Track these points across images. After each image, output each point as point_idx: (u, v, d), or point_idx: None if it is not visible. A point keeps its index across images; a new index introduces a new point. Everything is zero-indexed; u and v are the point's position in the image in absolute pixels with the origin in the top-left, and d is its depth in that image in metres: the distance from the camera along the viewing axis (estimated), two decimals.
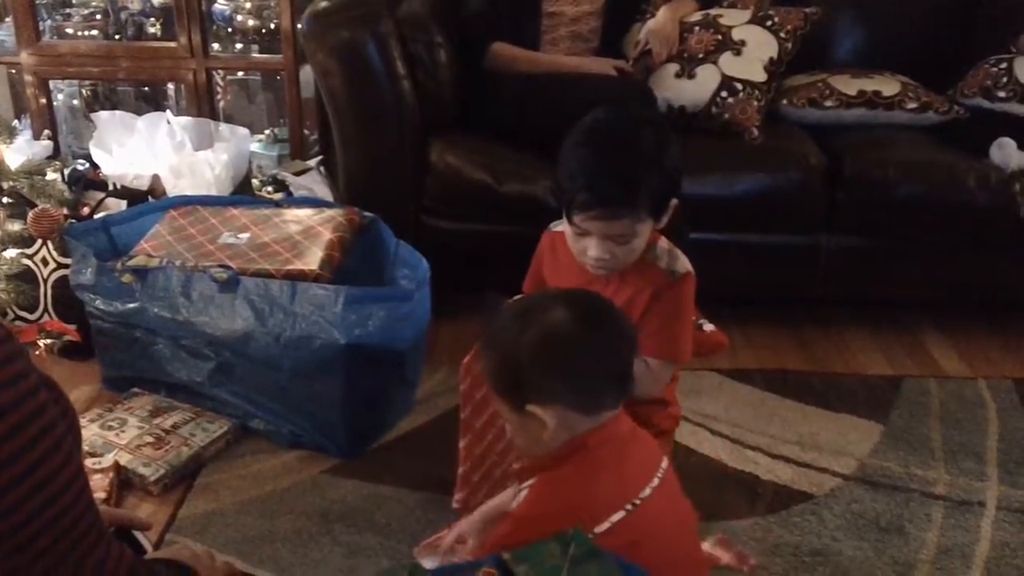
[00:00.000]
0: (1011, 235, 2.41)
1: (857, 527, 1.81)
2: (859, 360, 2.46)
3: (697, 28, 2.61)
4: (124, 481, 1.88)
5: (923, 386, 2.32)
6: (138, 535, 1.39)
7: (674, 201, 1.49)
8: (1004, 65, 2.50)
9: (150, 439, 1.96)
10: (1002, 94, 2.48)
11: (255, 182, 2.94)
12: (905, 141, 2.52)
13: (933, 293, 2.59)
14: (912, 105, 2.56)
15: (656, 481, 1.27)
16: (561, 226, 1.56)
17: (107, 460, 1.89)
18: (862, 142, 2.51)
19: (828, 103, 2.58)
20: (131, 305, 2.06)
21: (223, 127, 2.92)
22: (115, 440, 1.96)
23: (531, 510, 1.23)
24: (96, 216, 2.57)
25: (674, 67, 2.58)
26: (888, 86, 2.59)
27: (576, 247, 1.50)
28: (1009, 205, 2.35)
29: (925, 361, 2.46)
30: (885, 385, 2.32)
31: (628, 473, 1.25)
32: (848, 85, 2.60)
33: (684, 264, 1.54)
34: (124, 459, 1.90)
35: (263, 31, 3.21)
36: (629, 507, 1.22)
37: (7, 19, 3.16)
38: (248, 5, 3.18)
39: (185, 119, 2.92)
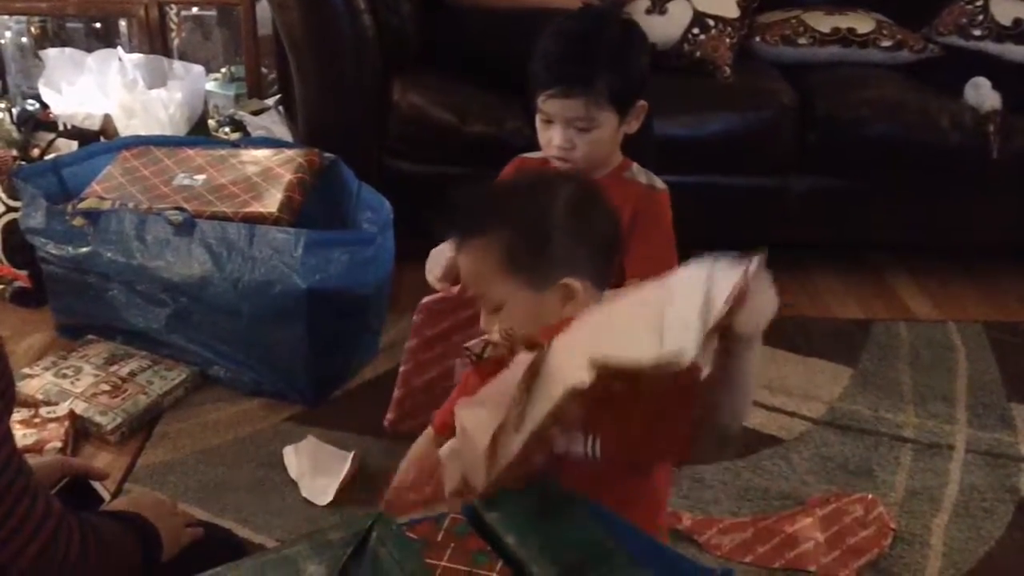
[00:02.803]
0: (984, 176, 2.39)
1: (826, 470, 1.80)
2: (828, 303, 2.44)
3: None
4: (80, 430, 1.84)
5: (893, 329, 2.31)
6: (95, 484, 1.35)
7: (642, 102, 1.50)
8: (980, 2, 2.46)
9: (106, 387, 1.91)
10: (977, 32, 2.44)
11: (211, 122, 2.85)
12: (878, 80, 2.48)
13: (904, 235, 2.57)
14: (886, 43, 2.52)
15: None
16: (534, 154, 1.57)
17: (62, 409, 1.84)
18: (834, 80, 2.47)
19: (802, 40, 2.53)
20: (83, 249, 1.99)
21: (177, 65, 2.82)
22: (70, 388, 1.91)
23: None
24: (46, 157, 2.47)
25: (644, 2, 2.51)
26: (862, 23, 2.55)
27: (543, 140, 1.50)
28: (983, 145, 2.33)
29: (895, 304, 2.45)
30: (855, 328, 2.31)
31: None
32: (822, 22, 2.55)
33: (661, 183, 1.56)
34: (80, 407, 1.85)
35: None
36: None
37: None
38: None
39: (137, 56, 2.82)
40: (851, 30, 2.52)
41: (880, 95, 2.41)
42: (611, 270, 1.21)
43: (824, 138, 2.38)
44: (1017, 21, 2.38)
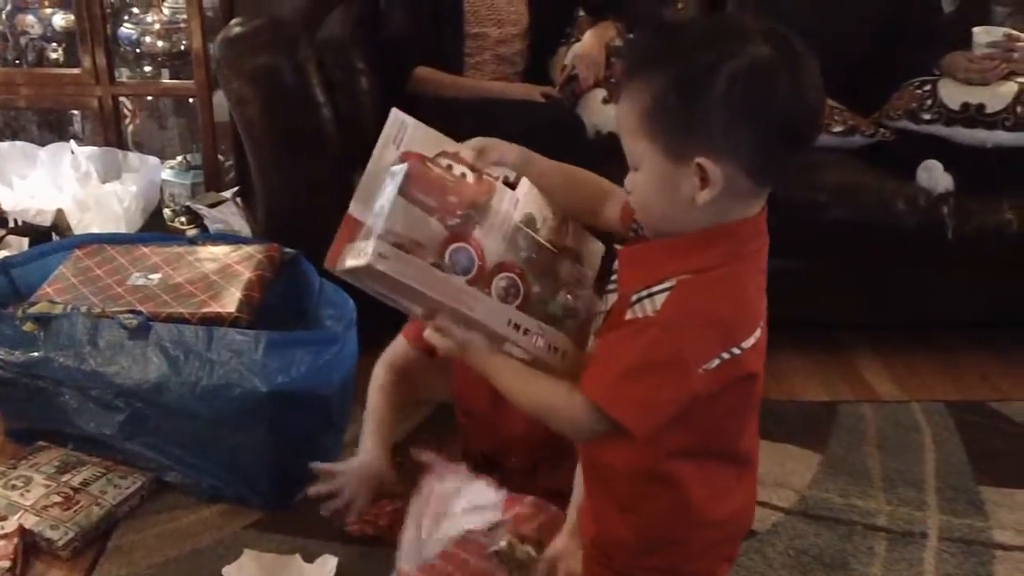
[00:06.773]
0: (940, 256, 2.42)
1: (801, 564, 1.78)
2: (794, 385, 2.44)
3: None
4: (30, 545, 1.75)
5: (858, 411, 2.30)
6: None
7: None
8: (928, 87, 2.51)
9: (58, 498, 1.83)
10: (927, 116, 2.49)
11: (167, 212, 2.82)
12: (834, 164, 2.51)
13: (864, 315, 2.60)
14: (838, 128, 2.56)
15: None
16: None
17: (11, 524, 1.76)
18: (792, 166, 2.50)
19: None
20: (34, 355, 1.93)
21: (132, 156, 2.80)
22: (20, 501, 1.82)
23: (683, 315, 1.04)
24: None
25: (601, 92, 2.53)
26: None
27: None
28: (938, 227, 2.37)
29: (859, 385, 2.45)
30: (821, 411, 2.30)
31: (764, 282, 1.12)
32: None
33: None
34: (30, 522, 1.77)
35: (173, 53, 3.09)
36: (762, 324, 1.10)
37: None
38: (156, 27, 3.06)
39: (91, 149, 2.79)
40: None
41: (836, 180, 2.45)
42: (785, 161, 1.07)
43: (784, 222, 2.37)
44: (965, 105, 2.43)
